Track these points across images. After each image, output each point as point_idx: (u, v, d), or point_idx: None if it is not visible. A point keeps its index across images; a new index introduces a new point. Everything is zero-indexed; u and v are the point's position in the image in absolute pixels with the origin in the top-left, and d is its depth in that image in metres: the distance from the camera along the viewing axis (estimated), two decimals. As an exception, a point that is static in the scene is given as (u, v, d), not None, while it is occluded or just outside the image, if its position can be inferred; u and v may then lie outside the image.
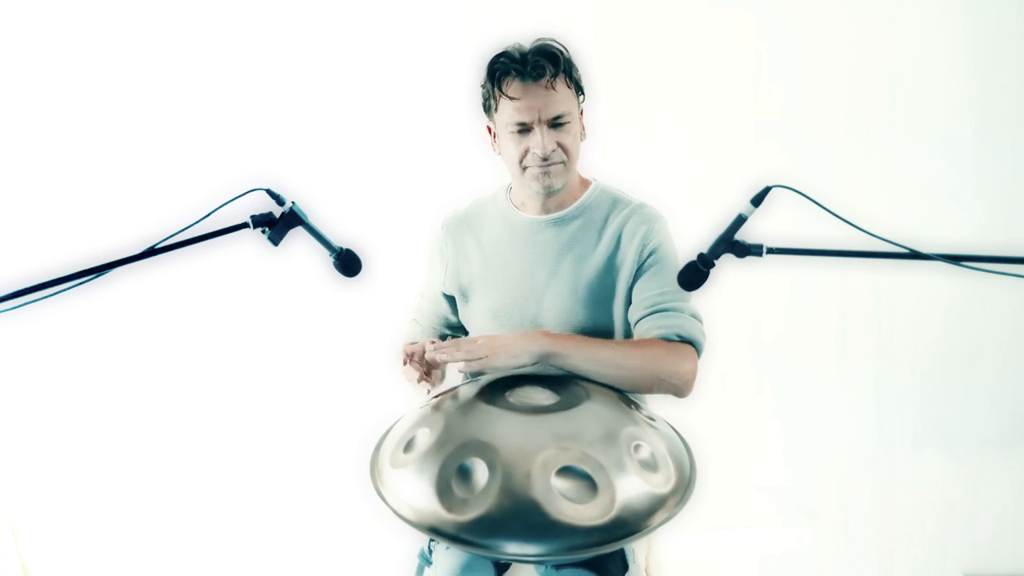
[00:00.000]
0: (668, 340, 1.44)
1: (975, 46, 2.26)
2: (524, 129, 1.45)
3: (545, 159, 1.45)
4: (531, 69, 1.41)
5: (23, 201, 2.38)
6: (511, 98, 1.44)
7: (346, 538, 2.45)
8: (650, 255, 1.50)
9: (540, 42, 1.47)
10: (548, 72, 1.42)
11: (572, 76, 1.47)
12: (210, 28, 2.33)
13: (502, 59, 1.45)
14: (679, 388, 1.43)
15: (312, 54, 2.34)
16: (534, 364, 1.37)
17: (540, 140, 1.44)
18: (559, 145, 1.46)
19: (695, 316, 1.49)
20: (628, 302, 1.53)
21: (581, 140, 1.53)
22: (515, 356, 1.35)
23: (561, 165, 1.48)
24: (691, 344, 1.45)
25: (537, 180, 1.48)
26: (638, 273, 1.51)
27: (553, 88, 1.43)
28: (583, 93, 1.52)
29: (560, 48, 1.46)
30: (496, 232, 1.61)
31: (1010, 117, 2.29)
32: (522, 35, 1.50)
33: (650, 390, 1.43)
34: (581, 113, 1.53)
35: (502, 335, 1.43)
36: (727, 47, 2.32)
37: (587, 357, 1.39)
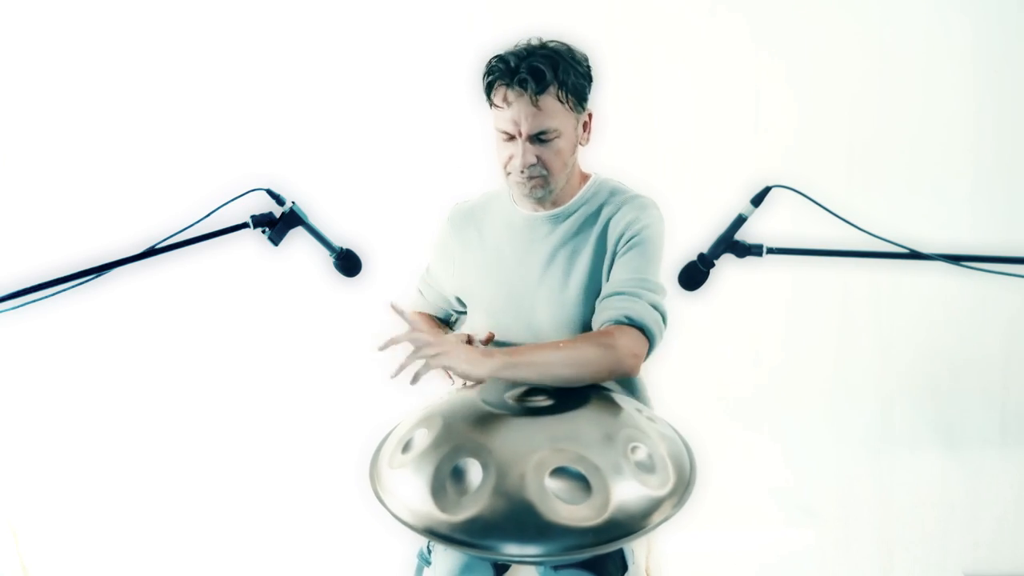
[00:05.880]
0: (617, 323, 1.40)
1: (977, 45, 2.26)
2: (509, 137, 1.44)
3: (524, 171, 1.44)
4: (518, 81, 1.37)
5: (23, 201, 2.38)
6: (497, 106, 1.43)
7: (346, 538, 2.45)
8: (630, 239, 1.47)
9: (539, 47, 1.41)
10: (534, 86, 1.36)
11: (568, 88, 1.39)
12: (211, 29, 2.33)
13: (495, 62, 1.41)
14: (627, 370, 1.39)
15: (312, 55, 2.34)
16: (488, 378, 1.29)
17: (520, 154, 1.42)
18: (540, 160, 1.43)
19: (655, 305, 1.44)
20: None
21: (582, 144, 1.51)
22: (470, 363, 1.26)
23: (541, 179, 1.46)
24: (639, 328, 1.40)
25: (518, 187, 1.49)
26: (614, 257, 1.49)
27: (537, 104, 1.38)
28: (584, 102, 1.45)
29: (558, 57, 1.39)
30: (497, 227, 1.61)
31: (1012, 118, 2.29)
32: (531, 31, 1.46)
33: (607, 379, 1.40)
34: (586, 123, 1.49)
35: (462, 344, 1.33)
36: (729, 48, 2.32)
37: (533, 361, 1.32)
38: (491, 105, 1.45)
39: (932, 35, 2.28)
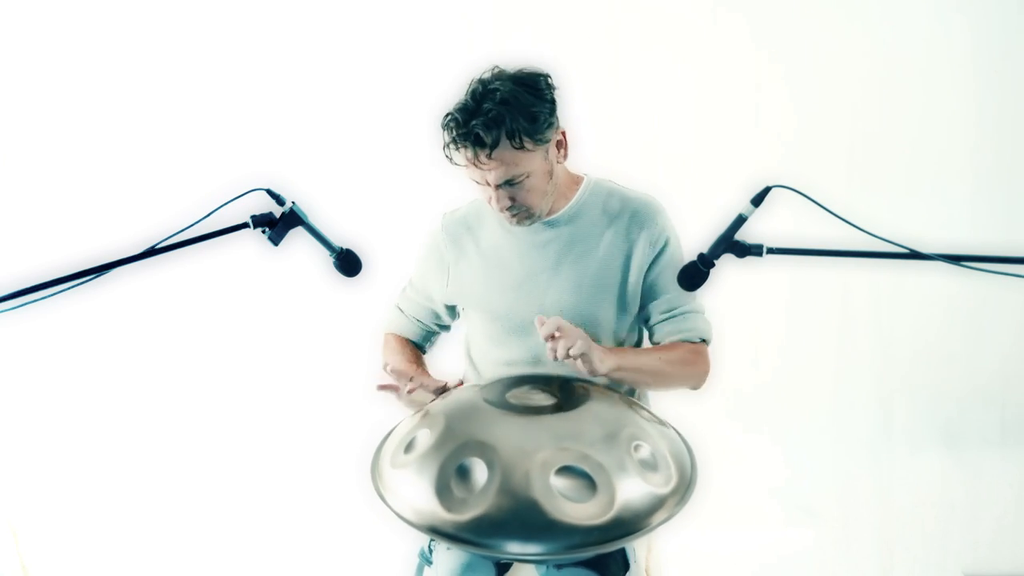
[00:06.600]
0: (688, 340, 1.53)
1: (977, 45, 2.26)
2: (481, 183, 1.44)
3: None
4: (472, 141, 1.35)
5: (23, 201, 2.38)
6: (458, 164, 1.43)
7: (347, 538, 2.45)
8: (660, 253, 1.53)
9: (488, 92, 1.36)
10: (487, 146, 1.34)
11: (520, 134, 1.35)
12: (210, 29, 2.33)
13: (448, 122, 1.39)
14: (699, 385, 1.55)
15: (312, 55, 2.34)
16: (601, 376, 1.37)
17: (494, 199, 1.44)
18: (515, 200, 1.44)
19: (704, 312, 1.57)
20: (638, 298, 1.56)
21: (560, 163, 1.50)
22: (601, 360, 1.35)
23: (523, 213, 1.47)
24: (706, 344, 1.56)
25: (506, 220, 1.51)
26: (649, 272, 1.54)
27: (493, 160, 1.36)
28: (547, 132, 1.40)
29: (504, 108, 1.34)
30: (495, 235, 1.61)
31: (1012, 118, 2.29)
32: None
33: (677, 389, 1.55)
34: (560, 142, 1.47)
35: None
36: (729, 48, 2.32)
37: (637, 367, 1.47)
38: (452, 163, 1.44)
39: (932, 35, 2.28)
